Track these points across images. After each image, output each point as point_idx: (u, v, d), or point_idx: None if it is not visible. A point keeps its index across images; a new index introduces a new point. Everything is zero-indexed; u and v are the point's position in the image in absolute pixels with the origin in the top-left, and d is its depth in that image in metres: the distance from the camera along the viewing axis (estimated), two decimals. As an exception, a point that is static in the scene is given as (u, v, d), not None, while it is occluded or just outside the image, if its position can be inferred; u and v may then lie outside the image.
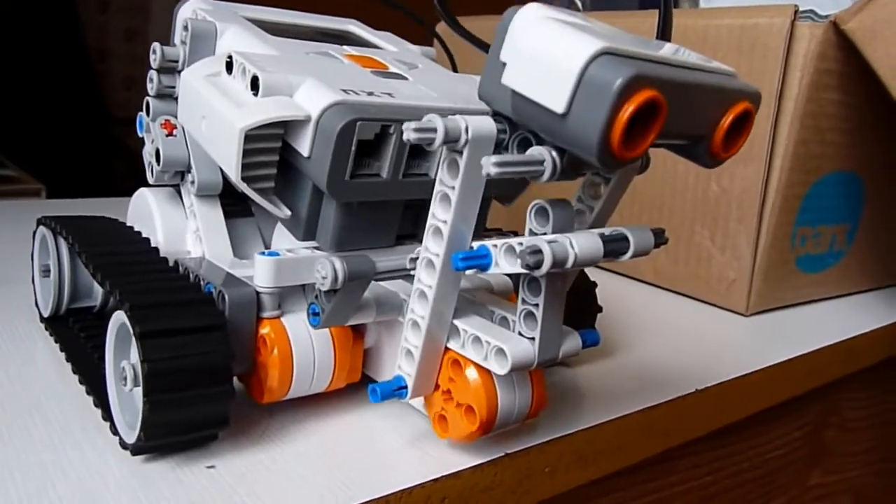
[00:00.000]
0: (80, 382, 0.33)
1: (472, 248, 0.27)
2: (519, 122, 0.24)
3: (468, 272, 0.26)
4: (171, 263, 0.32)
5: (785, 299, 0.55)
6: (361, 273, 0.26)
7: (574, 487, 0.33)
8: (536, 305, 0.26)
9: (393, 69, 0.34)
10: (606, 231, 0.25)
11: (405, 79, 0.33)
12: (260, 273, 0.29)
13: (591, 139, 0.20)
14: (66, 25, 1.59)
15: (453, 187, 0.25)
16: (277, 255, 0.30)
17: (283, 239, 0.34)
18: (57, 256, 0.37)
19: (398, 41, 0.40)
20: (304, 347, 0.30)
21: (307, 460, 0.29)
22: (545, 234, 0.25)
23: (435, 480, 0.28)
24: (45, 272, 0.38)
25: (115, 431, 0.28)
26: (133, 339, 0.26)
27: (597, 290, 0.39)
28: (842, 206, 0.56)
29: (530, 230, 0.26)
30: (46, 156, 1.34)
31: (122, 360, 0.28)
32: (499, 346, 0.26)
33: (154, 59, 0.33)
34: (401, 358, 0.29)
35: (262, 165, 0.29)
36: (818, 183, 0.52)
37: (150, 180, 0.34)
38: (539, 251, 0.23)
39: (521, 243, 0.24)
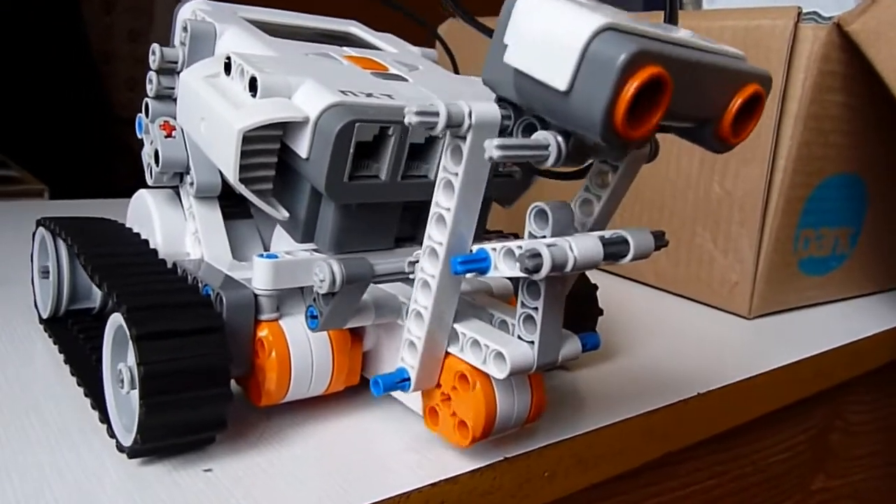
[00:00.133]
0: (78, 384, 0.32)
1: (471, 251, 0.26)
2: (523, 105, 0.24)
3: (468, 275, 0.26)
4: (169, 265, 0.32)
5: (788, 302, 0.55)
6: (359, 276, 0.26)
7: (574, 492, 0.33)
8: (536, 309, 0.26)
9: (393, 70, 0.34)
10: (606, 234, 0.25)
11: (405, 80, 0.33)
12: (258, 275, 0.29)
13: (595, 117, 0.20)
14: (70, 27, 1.60)
15: (456, 174, 0.25)
16: (276, 257, 0.29)
17: (282, 241, 0.34)
18: (56, 258, 0.37)
19: (399, 42, 0.40)
20: (302, 350, 0.30)
21: (305, 464, 0.28)
22: (544, 237, 0.25)
23: (433, 485, 0.28)
24: (45, 273, 0.38)
25: (112, 434, 0.28)
26: (130, 341, 0.26)
27: (598, 293, 0.39)
28: (845, 208, 0.56)
29: (530, 233, 0.26)
30: (50, 156, 1.34)
31: (120, 363, 0.28)
32: (498, 349, 0.26)
33: (153, 61, 0.33)
34: (403, 350, 0.28)
35: (260, 167, 0.28)
36: (821, 185, 0.52)
37: (149, 182, 0.34)
38: (538, 255, 0.23)
39: (520, 247, 0.24)
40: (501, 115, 0.25)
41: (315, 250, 0.31)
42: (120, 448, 0.27)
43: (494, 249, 0.25)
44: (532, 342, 0.27)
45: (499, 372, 0.26)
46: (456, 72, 0.44)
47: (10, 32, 1.44)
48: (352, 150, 0.27)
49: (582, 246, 0.24)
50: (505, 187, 0.34)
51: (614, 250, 0.25)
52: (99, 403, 0.30)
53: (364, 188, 0.29)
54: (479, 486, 0.29)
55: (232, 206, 0.35)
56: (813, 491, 0.54)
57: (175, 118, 0.34)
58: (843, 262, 0.58)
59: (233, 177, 0.28)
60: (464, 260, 0.26)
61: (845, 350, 0.49)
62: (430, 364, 0.28)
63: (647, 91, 0.20)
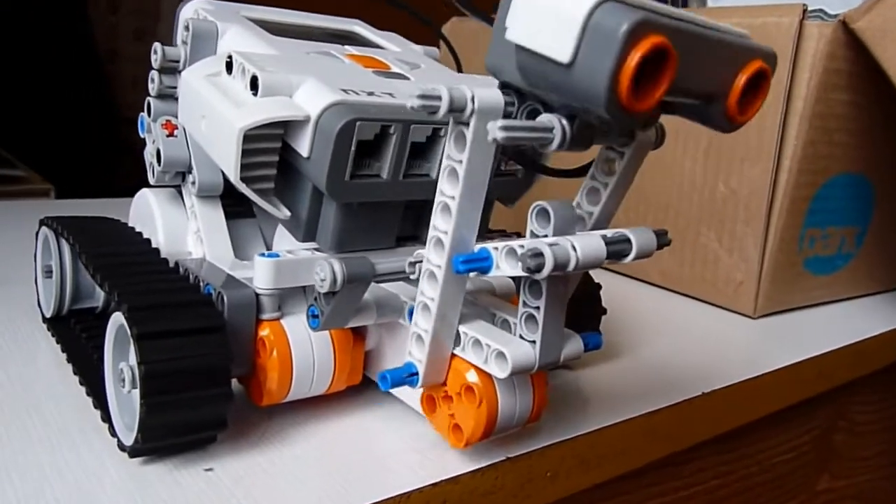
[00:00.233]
0: (81, 383, 0.32)
1: (473, 250, 0.26)
2: (527, 85, 0.23)
3: (470, 275, 0.26)
4: (171, 264, 0.32)
5: (793, 302, 0.54)
6: (360, 275, 0.26)
7: (576, 492, 0.32)
8: (537, 308, 0.26)
9: (395, 69, 0.34)
10: (609, 233, 0.25)
11: (407, 79, 0.33)
12: (259, 274, 0.29)
13: (599, 89, 0.19)
14: (76, 26, 1.60)
15: (461, 161, 0.24)
16: (277, 256, 0.29)
17: (284, 240, 0.34)
18: (59, 257, 0.37)
19: (401, 41, 0.40)
20: (304, 350, 0.30)
21: (305, 463, 0.28)
22: (546, 236, 0.25)
23: (434, 485, 0.28)
24: (48, 273, 0.38)
25: (113, 433, 0.28)
26: (131, 340, 0.26)
27: (602, 292, 0.39)
28: (851, 207, 0.55)
29: (531, 232, 0.26)
30: (55, 156, 1.34)
31: (121, 362, 0.28)
32: (499, 349, 0.26)
33: (155, 60, 0.33)
34: (411, 344, 0.28)
35: (261, 166, 0.28)
36: (827, 184, 0.51)
37: (151, 181, 0.34)
38: (540, 254, 0.23)
39: (522, 246, 0.24)
40: (505, 101, 0.24)
41: (317, 249, 0.31)
42: (121, 447, 0.27)
43: (496, 248, 0.25)
44: (534, 342, 0.26)
45: (500, 371, 0.26)
46: (459, 70, 0.44)
47: (15, 32, 1.44)
48: (353, 149, 0.27)
49: (584, 245, 0.23)
50: (507, 186, 0.34)
51: (617, 249, 0.25)
52: (100, 403, 0.30)
53: (365, 187, 0.29)
54: (481, 485, 0.29)
55: (234, 205, 0.35)
56: (818, 491, 0.54)
57: (177, 117, 0.34)
58: (849, 262, 0.58)
59: (234, 176, 0.28)
60: (465, 259, 0.25)
61: (850, 350, 0.48)
62: (438, 358, 0.28)
63: (650, 62, 0.19)
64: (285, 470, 0.28)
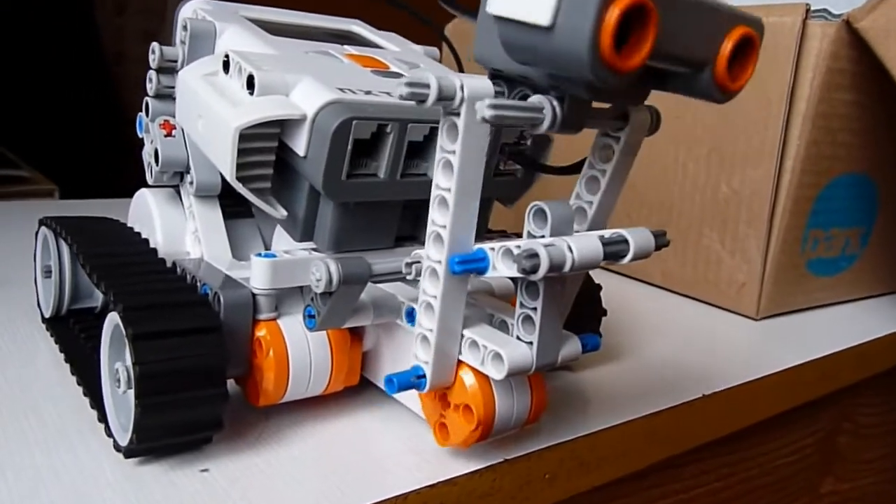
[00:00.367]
0: (78, 383, 0.32)
1: (472, 249, 0.26)
2: (513, 62, 0.23)
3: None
4: (169, 264, 0.32)
5: (796, 303, 0.54)
6: (356, 275, 0.26)
7: (575, 494, 0.32)
8: (534, 309, 0.26)
9: (394, 69, 0.34)
10: (606, 233, 0.25)
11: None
12: (256, 274, 0.29)
13: (581, 49, 0.19)
14: (83, 28, 1.61)
15: (454, 151, 0.24)
16: (274, 256, 0.29)
17: (282, 240, 0.34)
18: (58, 257, 0.37)
19: (401, 41, 0.40)
20: (301, 350, 0.30)
21: (302, 464, 0.28)
22: (543, 236, 0.25)
23: (431, 486, 0.27)
24: (47, 273, 0.38)
25: (109, 433, 0.28)
26: (126, 340, 0.26)
27: (603, 293, 0.39)
28: (855, 208, 0.55)
29: (529, 232, 0.25)
30: (61, 157, 1.35)
31: (117, 362, 0.28)
32: (496, 350, 0.26)
33: (153, 59, 0.33)
34: (416, 346, 0.27)
35: (257, 165, 0.28)
36: (830, 185, 0.51)
37: (149, 181, 0.34)
38: (535, 255, 0.22)
39: (518, 246, 0.24)
40: (495, 89, 0.24)
41: (314, 249, 0.31)
42: (117, 448, 0.27)
43: (493, 249, 0.25)
44: (531, 343, 0.26)
45: (497, 373, 0.26)
46: (461, 71, 0.44)
47: (21, 34, 1.44)
48: (349, 148, 0.27)
49: (581, 246, 0.23)
50: (507, 186, 0.34)
51: (614, 250, 0.24)
52: (97, 403, 0.30)
53: (362, 186, 0.29)
54: (479, 487, 0.29)
55: (233, 205, 0.35)
56: (821, 494, 0.54)
57: (175, 117, 0.34)
58: (854, 263, 0.58)
59: (230, 175, 0.28)
60: (462, 259, 0.25)
61: (854, 352, 0.48)
62: (444, 358, 0.27)
63: (631, 19, 0.19)
64: (282, 471, 0.28)
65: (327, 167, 0.27)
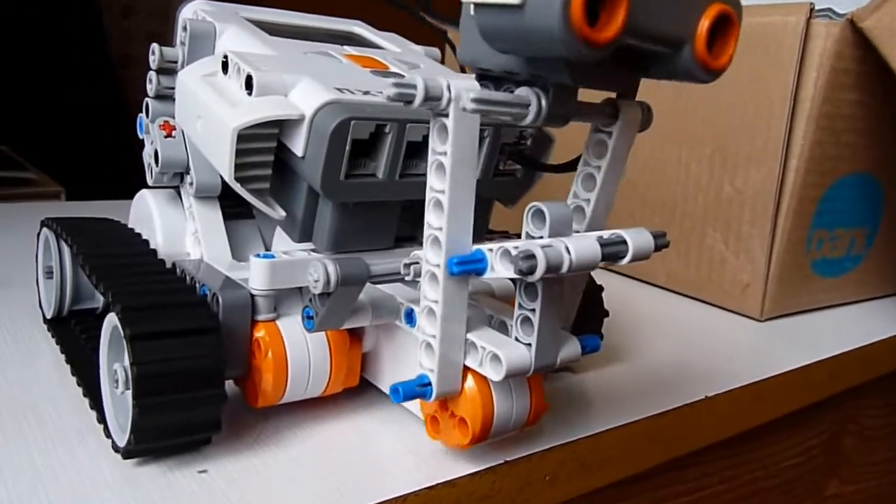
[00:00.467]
0: (78, 384, 0.32)
1: (469, 250, 0.26)
2: (497, 58, 0.23)
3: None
4: (169, 265, 0.32)
5: (801, 304, 0.54)
6: (354, 276, 0.26)
7: (576, 496, 0.32)
8: (533, 311, 0.26)
9: (393, 69, 0.34)
10: (605, 234, 0.25)
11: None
12: (255, 275, 0.29)
13: (552, 23, 0.19)
14: (89, 30, 1.61)
15: (445, 153, 0.24)
16: (272, 257, 0.29)
17: (283, 241, 0.34)
18: (59, 258, 0.37)
19: (402, 42, 0.40)
20: (299, 351, 0.30)
21: (301, 466, 0.28)
22: (542, 237, 0.25)
23: (430, 488, 0.27)
24: (49, 273, 0.38)
25: (108, 434, 0.28)
26: (124, 341, 0.26)
27: (606, 294, 0.39)
28: (860, 208, 0.54)
29: (527, 233, 0.25)
30: (67, 159, 1.35)
31: (115, 363, 0.28)
32: (494, 351, 0.26)
33: (153, 60, 0.33)
34: (420, 354, 0.27)
35: (256, 166, 0.28)
36: (835, 185, 0.51)
37: (150, 182, 0.34)
38: (532, 256, 0.22)
39: (516, 247, 0.24)
40: (482, 88, 0.24)
41: (313, 250, 0.31)
42: (115, 448, 0.27)
43: (491, 250, 0.25)
44: (529, 344, 0.26)
45: (495, 374, 0.26)
46: (462, 71, 0.44)
47: (28, 37, 1.45)
48: (347, 148, 0.27)
49: (578, 247, 0.23)
50: (507, 186, 0.34)
51: (612, 251, 0.24)
52: (97, 404, 0.30)
53: (361, 187, 0.29)
54: (479, 489, 0.28)
55: (234, 206, 0.35)
56: (827, 497, 0.53)
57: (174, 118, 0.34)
58: (859, 264, 0.57)
59: (228, 176, 0.28)
60: (460, 260, 0.25)
61: (860, 353, 0.48)
62: (450, 365, 0.27)
63: None
64: (280, 472, 0.28)
65: (325, 167, 0.27)
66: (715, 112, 0.51)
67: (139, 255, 0.32)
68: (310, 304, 0.28)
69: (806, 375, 0.44)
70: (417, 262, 0.27)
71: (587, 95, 0.25)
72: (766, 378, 0.41)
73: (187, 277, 0.31)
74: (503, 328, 0.28)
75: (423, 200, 0.26)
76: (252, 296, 0.29)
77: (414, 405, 0.31)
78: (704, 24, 0.22)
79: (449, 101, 0.23)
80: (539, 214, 0.25)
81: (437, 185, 0.25)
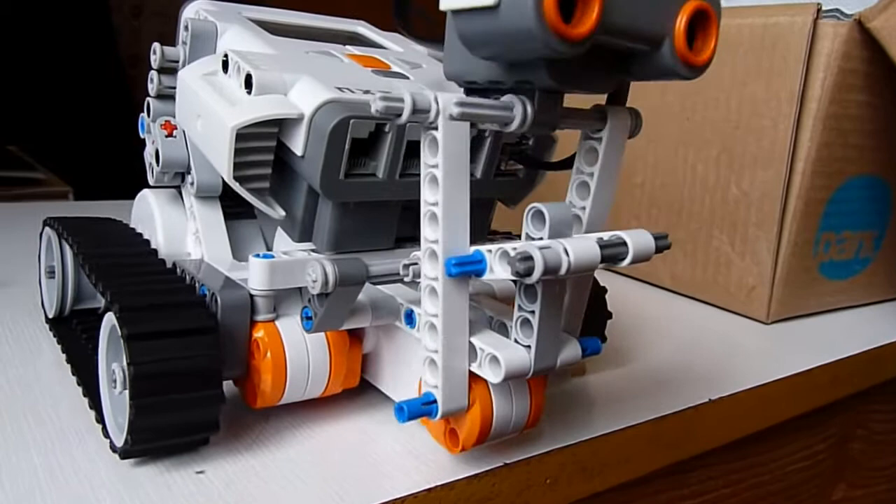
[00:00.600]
0: (78, 384, 0.32)
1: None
2: (481, 68, 0.23)
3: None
4: (170, 265, 0.32)
5: (808, 307, 0.53)
6: (353, 277, 0.26)
7: (577, 500, 0.32)
8: (532, 312, 0.26)
9: (395, 69, 0.33)
10: (605, 236, 0.24)
11: (407, 78, 0.32)
12: (254, 275, 0.29)
13: (527, 21, 0.19)
14: (98, 30, 1.62)
15: (436, 165, 0.24)
16: (272, 257, 0.29)
17: (283, 241, 0.34)
18: (61, 258, 0.37)
19: (405, 41, 0.40)
20: (299, 352, 0.29)
21: (299, 467, 0.28)
22: (541, 238, 0.24)
23: (429, 490, 0.27)
24: (51, 273, 0.38)
25: (107, 434, 0.28)
26: (121, 340, 0.25)
27: (611, 296, 0.38)
28: (868, 210, 0.54)
29: (527, 234, 0.25)
30: (76, 159, 1.36)
31: (113, 363, 0.27)
32: (493, 353, 0.25)
33: (154, 60, 0.33)
34: (424, 371, 0.27)
35: (255, 165, 0.28)
36: (842, 187, 0.50)
37: (151, 182, 0.34)
38: (529, 257, 0.22)
39: (514, 248, 0.23)
40: None
41: (313, 250, 0.31)
42: (113, 449, 0.27)
43: (490, 251, 0.25)
44: (529, 346, 0.26)
45: (494, 376, 0.25)
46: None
47: (37, 37, 1.46)
48: (347, 147, 0.27)
49: (577, 248, 0.23)
50: (509, 186, 0.34)
51: (612, 253, 0.24)
52: (96, 403, 0.29)
53: (361, 186, 0.28)
54: (478, 492, 0.28)
55: (235, 206, 0.35)
56: (833, 501, 0.53)
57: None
58: (867, 266, 0.57)
59: (227, 175, 0.28)
60: (458, 261, 0.25)
61: (867, 356, 0.47)
62: (455, 381, 0.26)
63: None
64: (278, 473, 0.27)
65: (325, 166, 0.27)
66: (721, 113, 0.51)
67: (139, 255, 0.32)
68: (309, 304, 0.28)
69: (813, 378, 0.43)
70: (416, 263, 0.27)
71: (586, 103, 0.25)
72: (771, 381, 0.41)
73: (187, 277, 0.31)
74: (503, 330, 0.28)
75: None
76: (251, 296, 0.29)
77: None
78: (682, 20, 0.23)
79: (437, 113, 0.23)
80: (539, 215, 0.25)
81: (430, 199, 0.25)
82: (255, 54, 0.30)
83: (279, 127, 0.28)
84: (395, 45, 0.39)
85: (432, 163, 0.24)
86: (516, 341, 0.26)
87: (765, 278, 0.50)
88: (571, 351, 0.27)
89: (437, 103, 0.23)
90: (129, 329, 0.25)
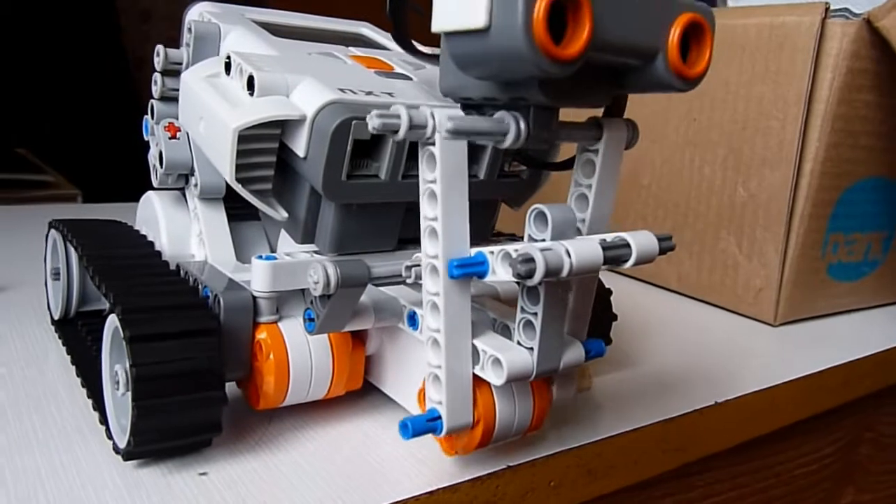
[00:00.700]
0: (83, 385, 0.32)
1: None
2: (475, 85, 0.24)
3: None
4: (173, 267, 0.32)
5: (816, 309, 0.53)
6: (355, 278, 0.26)
7: (582, 503, 0.32)
8: (535, 314, 0.25)
9: (398, 70, 0.33)
10: (608, 237, 0.24)
11: (409, 79, 0.32)
12: (256, 277, 0.29)
13: (518, 43, 0.20)
14: (107, 34, 1.63)
15: (435, 180, 0.24)
16: (274, 258, 0.29)
17: (287, 243, 0.34)
18: (66, 259, 0.37)
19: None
20: (301, 354, 0.29)
21: (301, 469, 0.28)
22: (544, 240, 0.24)
23: (431, 493, 0.27)
24: (56, 275, 0.39)
25: (110, 436, 0.28)
26: (124, 342, 0.25)
27: (617, 298, 0.38)
28: (877, 212, 0.53)
29: (529, 236, 0.25)
30: (85, 161, 1.36)
31: (116, 364, 0.28)
32: (495, 355, 0.25)
33: (158, 62, 0.33)
34: (428, 387, 0.26)
35: (258, 167, 0.28)
36: (851, 188, 0.50)
37: (154, 183, 0.34)
38: (531, 259, 0.22)
39: (517, 250, 0.23)
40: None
41: (316, 252, 0.31)
42: (116, 450, 0.27)
43: (492, 253, 0.25)
44: (531, 348, 0.26)
45: (496, 378, 0.25)
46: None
47: (46, 40, 1.47)
48: (349, 149, 0.27)
49: (579, 250, 0.23)
50: (512, 187, 0.33)
51: (615, 254, 0.24)
52: (99, 405, 0.29)
53: (363, 188, 0.28)
54: (481, 495, 0.28)
55: (239, 207, 0.35)
56: (842, 505, 0.52)
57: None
58: (876, 268, 0.56)
59: (229, 176, 0.28)
60: (460, 263, 0.25)
61: (876, 359, 0.47)
62: (459, 396, 0.26)
63: (564, 8, 0.20)
64: (280, 475, 0.27)
65: (327, 168, 0.27)
66: (728, 114, 0.50)
67: (143, 257, 0.32)
68: (311, 306, 0.28)
69: (821, 381, 0.43)
70: (419, 265, 0.26)
71: (582, 116, 0.25)
72: (779, 383, 0.40)
73: (190, 279, 0.31)
74: (506, 332, 0.28)
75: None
76: (254, 297, 0.29)
77: (417, 408, 0.30)
78: (675, 33, 0.23)
79: (434, 129, 0.23)
80: (541, 217, 0.24)
81: (429, 214, 0.25)
82: (258, 56, 0.30)
83: (281, 128, 0.28)
84: (397, 46, 0.39)
85: (430, 178, 0.24)
86: (519, 343, 0.26)
87: (772, 280, 0.50)
88: (575, 353, 0.27)
89: (434, 119, 0.23)
90: (131, 331, 0.25)
